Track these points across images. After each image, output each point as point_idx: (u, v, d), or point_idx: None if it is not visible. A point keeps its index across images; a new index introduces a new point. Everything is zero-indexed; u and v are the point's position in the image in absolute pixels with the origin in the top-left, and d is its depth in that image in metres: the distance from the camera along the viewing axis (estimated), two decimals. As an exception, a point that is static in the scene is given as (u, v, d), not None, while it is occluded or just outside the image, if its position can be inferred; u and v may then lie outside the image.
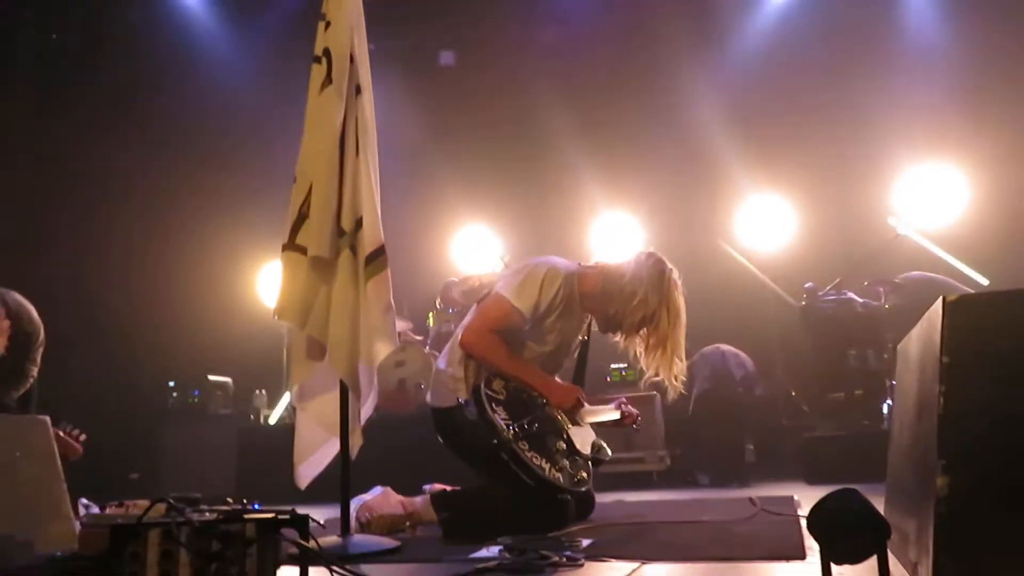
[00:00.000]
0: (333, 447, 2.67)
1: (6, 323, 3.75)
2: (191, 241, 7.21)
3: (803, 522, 2.86)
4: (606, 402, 3.43)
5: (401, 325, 6.26)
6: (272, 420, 6.15)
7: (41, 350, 3.93)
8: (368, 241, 2.59)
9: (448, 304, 6.12)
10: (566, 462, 2.94)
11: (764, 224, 7.03)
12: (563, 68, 7.69)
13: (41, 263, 6.45)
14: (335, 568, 1.81)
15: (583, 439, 3.10)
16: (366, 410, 2.69)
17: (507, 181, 7.49)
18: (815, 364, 6.19)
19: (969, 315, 1.49)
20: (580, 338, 3.31)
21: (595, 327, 3.32)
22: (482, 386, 2.91)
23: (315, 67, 2.72)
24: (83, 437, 3.62)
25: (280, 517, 1.63)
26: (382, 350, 2.57)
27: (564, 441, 3.00)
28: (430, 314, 6.19)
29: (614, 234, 7.35)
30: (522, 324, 3.02)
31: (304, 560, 1.67)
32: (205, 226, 7.24)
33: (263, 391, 6.25)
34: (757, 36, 7.31)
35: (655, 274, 3.02)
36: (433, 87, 7.79)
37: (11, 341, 3.73)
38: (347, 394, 2.60)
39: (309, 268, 2.56)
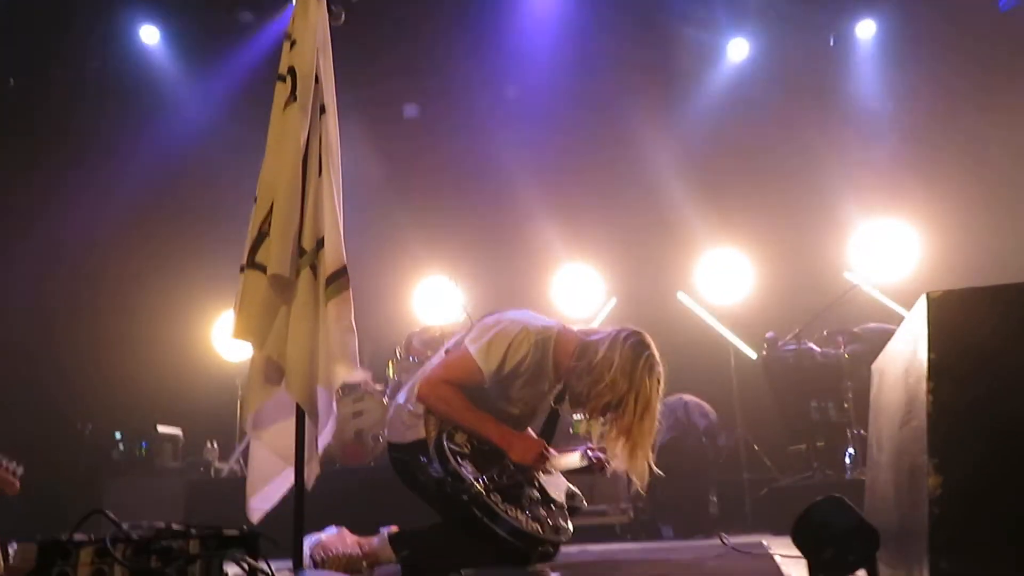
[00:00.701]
0: (288, 479, 2.52)
1: None
2: (146, 289, 7.03)
3: (777, 558, 2.78)
4: (571, 450, 3.31)
5: (360, 375, 6.10)
6: (224, 473, 5.89)
7: None
8: (330, 262, 2.50)
9: (409, 353, 6.01)
10: (542, 511, 2.78)
11: (723, 277, 7.10)
12: (526, 123, 7.78)
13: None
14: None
15: (556, 487, 2.95)
16: (324, 437, 2.55)
17: (469, 232, 7.48)
18: (776, 415, 6.20)
19: (953, 311, 1.46)
20: (551, 404, 3.08)
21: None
22: (444, 439, 2.75)
23: (279, 85, 2.66)
24: (20, 471, 3.39)
25: (227, 534, 1.50)
26: (341, 373, 2.46)
27: (537, 490, 2.85)
28: (390, 363, 6.06)
29: (575, 286, 7.36)
30: (481, 383, 2.87)
31: (253, 578, 1.53)
32: (162, 275, 7.08)
33: (215, 443, 6.00)
34: (715, 94, 7.50)
35: (630, 357, 2.78)
36: (397, 139, 7.82)
37: None
38: (303, 420, 2.47)
39: (268, 287, 2.46)
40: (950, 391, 1.41)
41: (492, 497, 2.65)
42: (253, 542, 1.55)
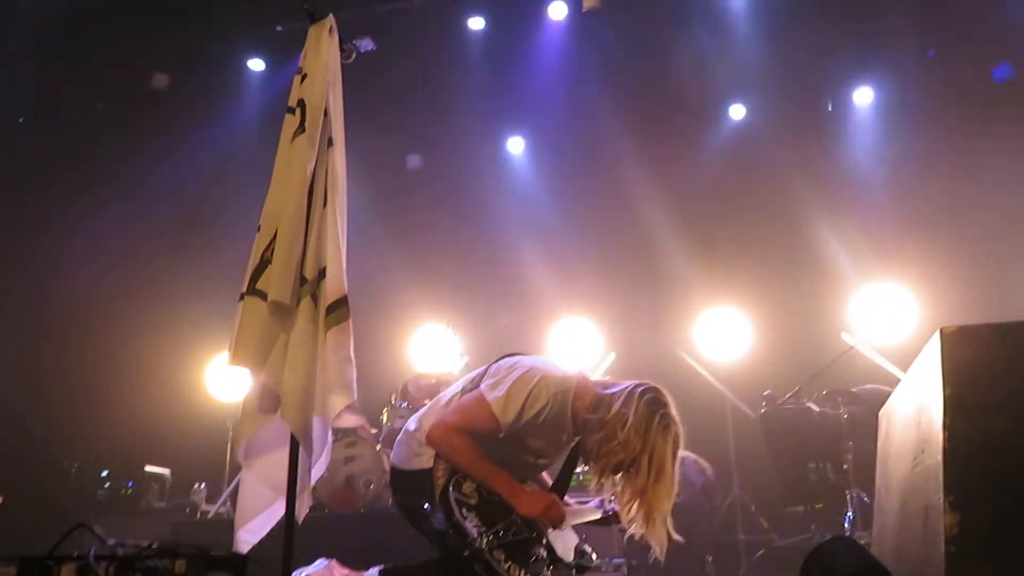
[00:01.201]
0: (278, 510, 2.45)
1: None
2: (140, 329, 6.98)
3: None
4: (588, 501, 3.15)
5: (356, 420, 6.04)
6: (210, 515, 5.76)
7: None
8: (331, 291, 2.48)
9: (404, 400, 5.96)
10: (547, 573, 2.66)
11: (722, 335, 7.07)
12: (527, 175, 7.86)
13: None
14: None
15: (565, 544, 2.81)
16: (318, 468, 2.50)
17: (468, 282, 7.49)
18: (774, 475, 6.11)
19: (967, 346, 1.43)
20: (567, 453, 2.95)
21: None
22: (450, 489, 2.64)
23: (288, 117, 2.69)
24: (1, 500, 3.31)
25: (214, 555, 1.44)
26: (338, 403, 2.42)
27: (544, 548, 2.70)
28: (384, 410, 6.00)
29: (573, 339, 7.33)
30: (496, 432, 2.75)
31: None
32: (155, 315, 7.04)
33: (203, 485, 5.88)
34: (715, 155, 7.59)
35: (644, 414, 2.65)
36: (399, 188, 7.88)
37: None
38: (297, 451, 2.41)
39: (268, 314, 2.43)
40: (966, 426, 1.38)
41: (495, 555, 2.54)
42: (241, 565, 1.49)
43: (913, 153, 6.98)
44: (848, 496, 5.35)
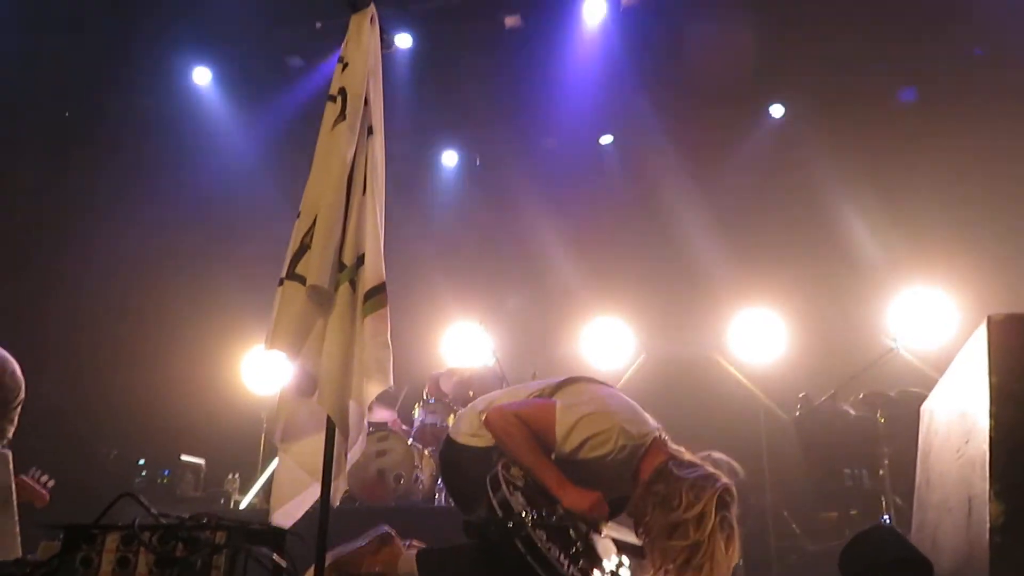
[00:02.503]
0: (313, 494, 2.47)
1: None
2: (178, 321, 7.11)
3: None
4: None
5: (388, 415, 6.08)
6: (243, 505, 5.84)
7: (19, 409, 3.71)
8: (369, 278, 2.50)
9: (434, 395, 5.99)
10: (584, 564, 2.57)
11: (756, 336, 6.99)
12: (563, 174, 7.85)
13: (18, 327, 6.29)
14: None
15: (605, 549, 2.74)
16: (354, 452, 2.51)
17: (501, 280, 7.50)
18: (807, 479, 6.03)
19: (1016, 335, 1.40)
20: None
21: None
22: (499, 469, 2.61)
23: (329, 105, 2.71)
24: (51, 483, 3.38)
25: (254, 527, 1.46)
26: (375, 389, 2.43)
27: (584, 544, 2.63)
28: (416, 405, 6.03)
29: (605, 339, 7.30)
30: (549, 448, 2.70)
31: (277, 575, 1.49)
32: (194, 308, 7.16)
33: (237, 475, 5.98)
34: (753, 154, 7.52)
35: (709, 512, 2.51)
36: (433, 184, 7.92)
37: None
38: (333, 435, 2.43)
39: (306, 298, 2.46)
40: (1013, 415, 1.35)
41: (538, 533, 2.48)
42: (279, 537, 1.51)
43: (952, 152, 6.84)
44: (883, 502, 5.26)
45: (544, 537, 2.49)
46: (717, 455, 5.72)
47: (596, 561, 2.63)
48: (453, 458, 2.90)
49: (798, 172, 7.17)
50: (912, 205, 6.89)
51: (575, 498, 2.65)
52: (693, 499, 2.53)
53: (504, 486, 2.55)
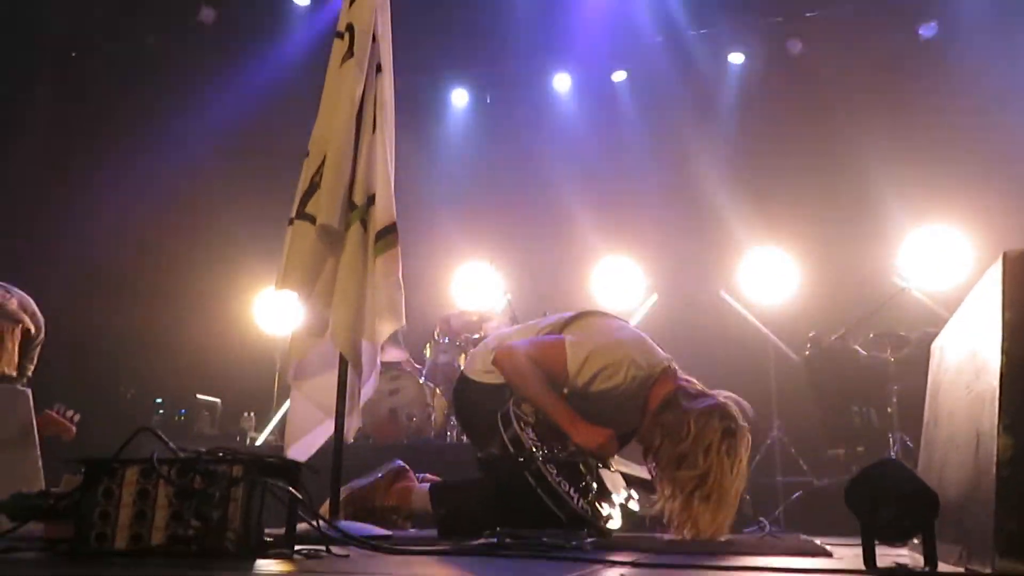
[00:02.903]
0: (326, 430, 2.52)
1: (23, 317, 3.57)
2: (191, 262, 7.13)
3: (817, 540, 2.71)
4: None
5: (400, 354, 6.13)
6: (259, 442, 5.95)
7: (39, 349, 3.76)
8: (380, 218, 2.50)
9: (446, 335, 6.02)
10: (593, 498, 2.62)
11: (767, 275, 6.97)
12: (572, 117, 7.75)
13: (35, 267, 6.34)
14: (323, 525, 1.64)
15: (614, 484, 2.79)
16: (367, 390, 2.54)
17: (511, 220, 7.46)
18: (815, 417, 6.08)
19: (1030, 270, 1.39)
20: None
21: None
22: (511, 406, 2.64)
23: (337, 42, 2.67)
24: (76, 417, 3.44)
25: (270, 461, 1.49)
26: (387, 328, 2.45)
27: (595, 479, 2.66)
28: (428, 345, 6.07)
29: (616, 278, 7.30)
30: (561, 384, 2.72)
31: (293, 507, 1.52)
32: (207, 249, 7.17)
33: (252, 413, 6.07)
34: (764, 91, 7.39)
35: (716, 447, 2.56)
36: (443, 123, 7.83)
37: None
38: (346, 372, 2.46)
39: (316, 238, 2.46)
40: (1024, 352, 1.35)
41: (548, 468, 2.53)
42: (294, 471, 1.54)
43: (969, 88, 6.68)
44: (891, 439, 5.31)
45: (554, 471, 2.53)
46: (726, 394, 5.80)
47: (606, 495, 2.67)
48: (467, 395, 2.93)
49: (812, 109, 7.04)
50: (928, 143, 6.77)
51: (586, 435, 2.67)
52: (701, 428, 2.56)
53: (515, 422, 2.58)
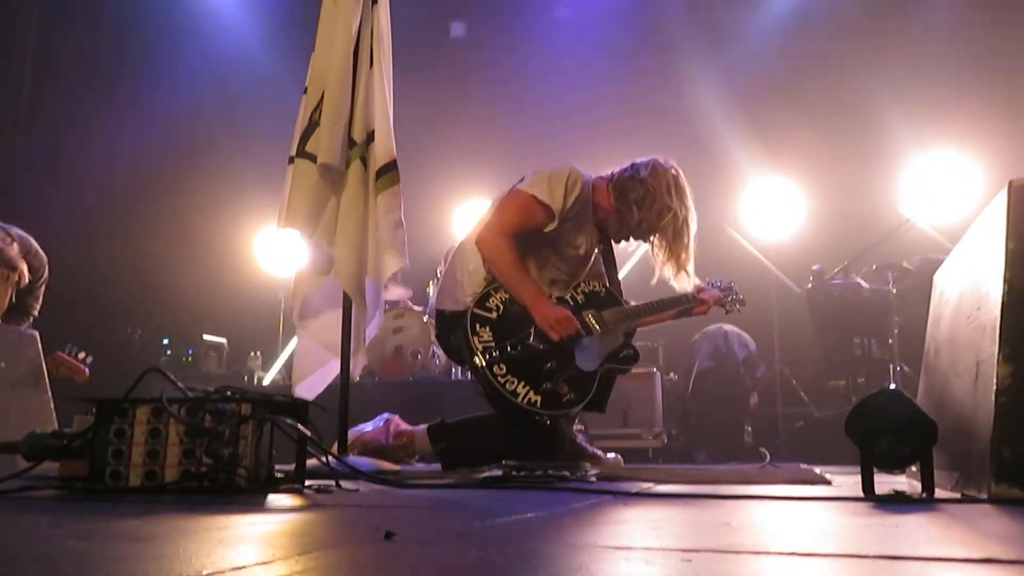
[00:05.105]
0: (333, 368, 2.54)
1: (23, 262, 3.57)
2: (195, 204, 7.09)
3: (817, 469, 2.76)
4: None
5: (402, 292, 6.15)
6: (266, 382, 6.02)
7: (44, 287, 3.76)
8: (380, 155, 2.47)
9: (449, 272, 6.02)
10: (549, 384, 2.70)
11: (770, 209, 6.93)
12: (572, 47, 7.59)
13: (41, 212, 6.32)
14: (332, 460, 1.68)
15: (592, 353, 2.83)
16: (372, 327, 2.56)
17: (509, 155, 7.37)
18: (816, 349, 6.11)
19: (1035, 200, 1.38)
20: (595, 249, 3.09)
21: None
22: (472, 308, 2.72)
23: (331, -27, 2.60)
24: (89, 359, 3.47)
25: (278, 399, 1.51)
26: (391, 265, 2.45)
27: (558, 360, 2.74)
28: (431, 283, 6.06)
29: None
30: (547, 222, 2.82)
31: (301, 444, 1.55)
32: (209, 190, 7.13)
33: (258, 353, 6.12)
34: (767, 23, 7.22)
35: (676, 188, 2.97)
36: (442, 59, 7.69)
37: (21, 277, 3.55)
38: (350, 311, 2.47)
39: (318, 176, 2.44)
40: (1027, 281, 1.35)
41: (496, 368, 2.64)
42: (302, 409, 1.56)
43: (978, 10, 6.51)
44: (891, 369, 5.35)
45: (504, 371, 2.64)
46: (728, 327, 5.83)
47: (576, 370, 2.78)
48: (444, 330, 2.94)
49: (815, 35, 6.89)
50: (934, 70, 6.63)
51: (546, 313, 2.77)
52: (659, 179, 2.94)
53: (470, 327, 2.67)
